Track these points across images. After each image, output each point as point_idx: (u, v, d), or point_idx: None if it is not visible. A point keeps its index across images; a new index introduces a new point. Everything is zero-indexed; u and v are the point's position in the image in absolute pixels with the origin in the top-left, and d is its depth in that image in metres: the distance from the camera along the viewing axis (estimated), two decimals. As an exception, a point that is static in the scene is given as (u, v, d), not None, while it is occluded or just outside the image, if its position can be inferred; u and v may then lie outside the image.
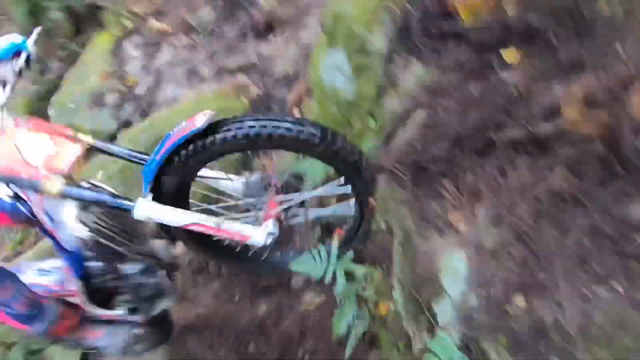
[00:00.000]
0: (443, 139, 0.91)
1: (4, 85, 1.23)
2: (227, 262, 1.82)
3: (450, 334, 0.72)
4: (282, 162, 1.64)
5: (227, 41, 3.29)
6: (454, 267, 0.77)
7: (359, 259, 1.21)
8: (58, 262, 1.59)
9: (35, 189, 1.10)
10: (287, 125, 1.12)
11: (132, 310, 1.63)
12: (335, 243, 1.18)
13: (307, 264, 1.20)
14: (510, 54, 0.99)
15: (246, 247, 1.52)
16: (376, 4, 1.19)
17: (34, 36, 1.34)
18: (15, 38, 1.29)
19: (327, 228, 1.43)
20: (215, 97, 2.75)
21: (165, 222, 1.23)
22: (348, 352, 1.26)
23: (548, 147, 0.78)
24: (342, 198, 1.36)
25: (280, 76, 2.89)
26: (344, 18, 1.29)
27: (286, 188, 1.36)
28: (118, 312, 1.62)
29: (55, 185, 1.08)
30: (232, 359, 1.87)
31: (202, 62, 3.42)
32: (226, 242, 1.53)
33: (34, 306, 1.40)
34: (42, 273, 1.63)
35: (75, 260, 1.48)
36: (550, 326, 0.59)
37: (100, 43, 3.90)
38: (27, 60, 1.28)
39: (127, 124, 3.50)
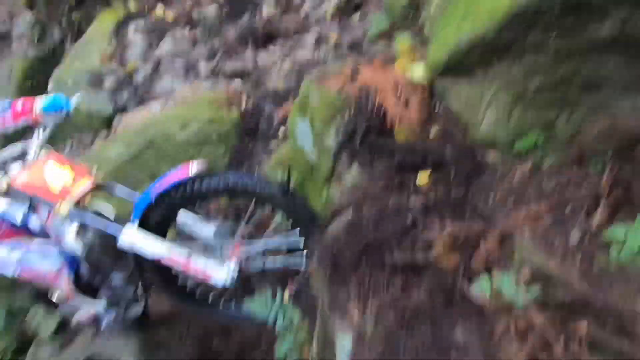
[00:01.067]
0: (357, 244, 1.22)
1: (44, 130, 1.54)
2: (188, 306, 2.06)
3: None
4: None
5: (227, 43, 3.46)
6: (343, 345, 1.12)
7: (298, 302, 1.58)
8: (55, 257, 1.95)
9: (50, 208, 1.41)
10: (259, 183, 1.44)
11: (111, 304, 2.03)
12: (286, 296, 1.53)
13: (259, 305, 1.56)
14: (423, 177, 1.27)
15: (206, 294, 1.83)
16: (335, 106, 1.46)
17: (75, 99, 1.66)
18: (62, 98, 1.61)
19: (281, 277, 1.79)
20: (208, 104, 2.96)
21: (144, 251, 1.57)
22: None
23: (418, 271, 1.11)
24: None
25: (272, 90, 3.10)
26: (311, 103, 1.57)
27: (250, 236, 1.69)
28: (97, 306, 2.02)
29: (65, 208, 1.39)
30: (195, 351, 2.28)
31: (201, 58, 3.59)
32: (189, 288, 1.84)
33: None
34: (44, 256, 1.99)
35: (71, 261, 1.85)
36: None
37: (104, 22, 4.03)
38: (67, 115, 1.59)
39: (122, 109, 3.73)
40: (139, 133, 2.74)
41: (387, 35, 2.62)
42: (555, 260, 0.86)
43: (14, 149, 1.52)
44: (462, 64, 1.17)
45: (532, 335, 0.76)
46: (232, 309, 1.83)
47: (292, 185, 1.53)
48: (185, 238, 1.64)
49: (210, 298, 1.81)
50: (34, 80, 4.55)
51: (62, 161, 1.50)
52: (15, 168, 1.45)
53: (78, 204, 1.45)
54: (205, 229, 1.60)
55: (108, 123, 3.71)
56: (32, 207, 1.49)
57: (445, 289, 1.03)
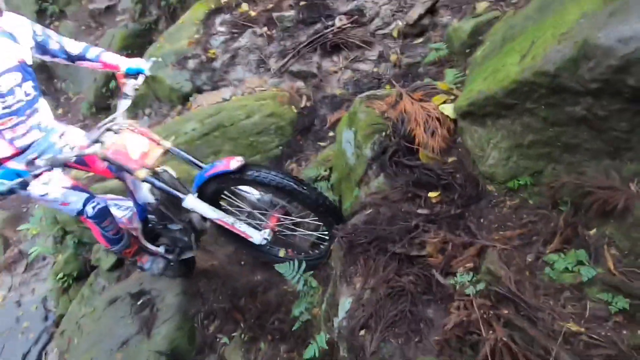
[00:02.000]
0: (370, 234, 1.64)
1: (125, 98, 1.92)
2: (240, 246, 2.64)
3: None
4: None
5: (298, 45, 3.99)
6: (345, 305, 1.56)
7: (316, 276, 2.06)
8: (130, 204, 2.57)
9: (131, 173, 1.82)
10: (293, 184, 1.79)
11: (168, 251, 2.63)
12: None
13: (285, 269, 2.06)
14: (433, 194, 1.66)
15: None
16: (376, 125, 1.89)
17: (151, 62, 2.07)
18: (141, 62, 2.01)
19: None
20: (272, 99, 3.51)
21: (202, 214, 1.97)
22: (296, 327, 2.15)
23: (411, 261, 1.51)
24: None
25: (330, 95, 3.58)
26: (358, 119, 2.02)
27: (286, 211, 2.17)
28: (159, 249, 2.63)
29: (142, 174, 1.80)
30: (226, 305, 2.83)
31: (273, 56, 4.16)
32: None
33: (119, 234, 2.37)
34: (117, 207, 2.64)
35: (141, 210, 2.43)
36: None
37: (196, 10, 4.76)
38: (145, 78, 1.99)
39: (199, 90, 4.42)
40: (212, 115, 3.34)
41: (442, 64, 3.00)
42: (505, 270, 1.24)
43: (106, 120, 1.88)
44: (478, 113, 1.55)
45: (469, 311, 1.15)
46: (274, 252, 2.34)
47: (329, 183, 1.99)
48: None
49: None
50: (129, 50, 5.44)
51: (140, 132, 1.89)
52: (107, 137, 1.81)
53: (152, 170, 1.90)
54: (252, 195, 2.09)
55: (184, 99, 4.41)
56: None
57: (427, 278, 1.44)
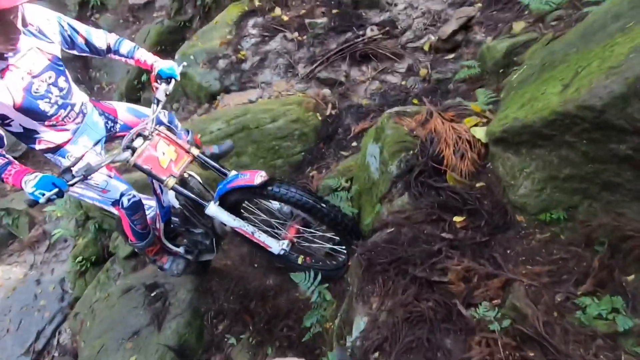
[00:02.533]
0: (390, 254, 1.60)
1: (157, 104, 1.88)
2: (260, 252, 2.66)
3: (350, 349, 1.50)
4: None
5: (327, 53, 3.98)
6: (360, 324, 1.52)
7: (331, 289, 2.02)
8: (153, 203, 2.60)
9: (161, 182, 1.86)
10: (313, 202, 1.79)
11: (188, 251, 2.65)
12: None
13: (300, 278, 2.04)
14: (459, 219, 1.61)
15: None
16: (404, 143, 1.85)
17: (181, 68, 2.05)
18: (174, 65, 1.99)
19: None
20: (297, 105, 3.51)
21: (223, 222, 2.00)
22: (306, 337, 2.12)
23: (432, 286, 1.45)
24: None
25: (356, 105, 3.55)
26: (385, 134, 1.98)
27: (305, 223, 2.15)
28: (179, 249, 2.66)
29: (171, 182, 1.84)
30: (236, 306, 2.83)
31: (302, 61, 4.17)
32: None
33: (146, 229, 2.38)
34: (145, 206, 2.69)
35: (165, 212, 2.47)
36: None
37: (230, 12, 4.81)
38: (175, 81, 1.97)
39: (227, 90, 4.46)
40: (238, 116, 3.36)
41: (472, 82, 2.93)
42: (532, 308, 1.18)
43: (138, 126, 1.89)
44: (512, 140, 1.49)
45: (492, 349, 1.10)
46: (292, 258, 2.31)
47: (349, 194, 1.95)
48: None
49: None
50: (163, 46, 5.55)
51: (169, 140, 1.91)
52: (138, 143, 1.82)
53: (179, 177, 1.92)
54: (272, 204, 2.08)
55: (212, 98, 4.46)
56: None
57: (447, 306, 1.39)
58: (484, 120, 1.81)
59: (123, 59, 2.05)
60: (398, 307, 1.44)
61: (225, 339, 2.73)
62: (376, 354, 1.39)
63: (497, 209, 1.55)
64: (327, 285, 2.01)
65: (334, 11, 4.19)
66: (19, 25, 1.52)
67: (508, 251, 1.46)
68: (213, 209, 1.93)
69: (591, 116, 1.18)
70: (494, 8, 3.34)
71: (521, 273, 1.36)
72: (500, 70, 2.71)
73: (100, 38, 1.93)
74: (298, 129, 3.35)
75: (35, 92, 1.68)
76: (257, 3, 4.70)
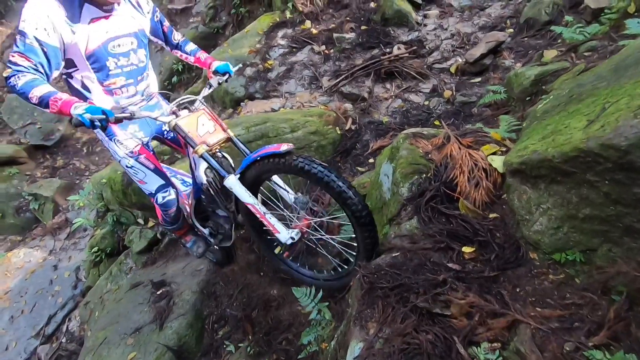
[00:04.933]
0: (393, 279, 1.54)
1: (209, 88, 2.13)
2: (264, 250, 2.67)
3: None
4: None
5: (353, 68, 3.99)
6: (355, 349, 1.47)
7: (331, 308, 1.97)
8: (191, 180, 2.68)
9: (193, 147, 1.93)
10: (340, 182, 1.67)
11: (211, 235, 2.67)
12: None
13: (301, 295, 2.00)
14: (468, 250, 1.54)
15: (277, 245, 2.30)
16: (417, 165, 1.80)
17: (237, 68, 2.28)
18: (229, 64, 2.22)
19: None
20: (318, 117, 3.52)
21: (238, 195, 1.98)
22: (302, 355, 2.07)
23: (433, 318, 1.39)
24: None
25: (376, 121, 3.52)
26: (400, 154, 1.93)
27: (318, 215, 2.01)
28: (205, 230, 2.65)
29: (201, 149, 1.90)
30: (238, 313, 2.81)
31: (326, 75, 4.20)
32: (269, 235, 2.37)
33: (176, 219, 2.50)
34: (182, 182, 2.77)
35: (197, 188, 2.53)
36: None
37: (262, 22, 4.93)
38: (227, 79, 2.20)
39: (251, 97, 4.54)
40: (258, 124, 3.39)
41: (497, 108, 2.85)
42: (537, 355, 1.10)
43: (188, 98, 2.04)
44: (530, 173, 1.43)
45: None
46: (294, 266, 2.29)
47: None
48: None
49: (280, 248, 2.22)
50: (199, 45, 5.73)
51: (211, 116, 2.04)
52: (183, 113, 1.98)
53: (211, 150, 1.99)
54: (288, 194, 2.06)
55: (236, 104, 4.54)
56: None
57: (448, 341, 1.32)
58: (503, 149, 1.75)
59: (184, 56, 2.30)
60: (396, 337, 1.38)
61: (224, 346, 2.71)
62: (370, 382, 1.33)
63: (510, 244, 1.48)
64: (327, 304, 1.96)
65: (363, 27, 4.21)
66: None
67: (517, 289, 1.38)
68: (232, 180, 1.95)
69: (615, 156, 1.11)
70: (525, 34, 3.26)
71: (529, 315, 1.28)
72: (527, 98, 2.62)
73: (176, 34, 2.25)
74: (316, 141, 3.34)
75: (112, 48, 1.81)
76: (288, 15, 4.79)
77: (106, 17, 1.77)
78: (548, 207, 1.38)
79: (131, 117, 1.77)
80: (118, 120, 1.71)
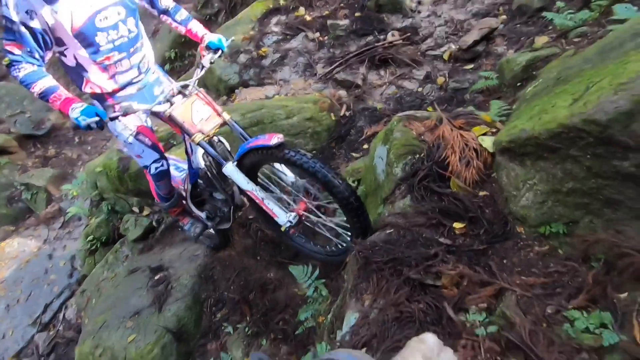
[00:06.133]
0: (387, 254, 1.62)
1: (202, 69, 2.04)
2: (269, 226, 2.64)
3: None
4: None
5: (347, 54, 4.02)
6: (350, 320, 1.55)
7: (328, 285, 2.06)
8: (186, 166, 2.71)
9: (189, 135, 1.96)
10: (324, 171, 1.77)
11: (208, 218, 2.72)
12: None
13: (299, 272, 2.08)
14: (458, 225, 1.62)
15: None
16: (411, 147, 1.87)
17: (229, 42, 2.18)
18: (222, 38, 2.13)
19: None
20: (313, 104, 3.56)
21: (237, 182, 2.04)
22: (299, 331, 2.16)
23: (425, 289, 1.47)
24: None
25: (370, 108, 3.58)
26: (394, 137, 2.00)
27: (315, 198, 2.08)
28: (201, 214, 2.69)
29: (198, 137, 1.93)
30: (236, 296, 2.89)
31: (321, 62, 4.22)
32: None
33: (169, 194, 2.54)
34: (176, 168, 2.81)
35: (193, 173, 2.57)
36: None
37: (255, 8, 4.92)
38: (221, 53, 2.12)
39: (245, 84, 4.55)
40: (253, 110, 3.43)
41: (489, 93, 2.92)
42: (520, 317, 1.19)
43: (180, 83, 2.01)
44: (517, 151, 1.50)
45: (476, 352, 1.11)
46: (299, 240, 2.36)
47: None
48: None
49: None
50: (186, 38, 5.69)
51: (205, 100, 2.02)
52: (177, 100, 1.95)
53: (208, 136, 2.02)
54: (286, 177, 2.12)
55: (230, 91, 4.55)
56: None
57: (438, 309, 1.41)
58: (493, 130, 1.82)
59: (174, 25, 2.19)
60: (389, 306, 1.46)
61: (223, 327, 2.79)
62: (363, 350, 1.42)
63: (498, 219, 1.56)
64: (323, 281, 2.04)
65: (357, 14, 4.24)
66: None
67: (504, 261, 1.47)
68: (230, 168, 2.01)
69: (596, 131, 1.19)
70: (517, 21, 3.32)
71: (515, 283, 1.36)
72: (518, 84, 2.70)
73: None
74: (311, 128, 3.40)
75: (99, 22, 1.74)
76: (281, 2, 4.79)
77: None
78: (534, 183, 1.47)
79: (126, 114, 1.76)
80: (113, 118, 1.73)
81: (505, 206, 1.59)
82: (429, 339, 0.63)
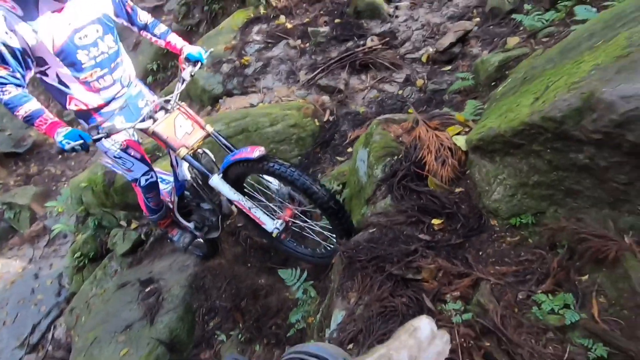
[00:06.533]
0: (370, 253, 1.71)
1: (182, 83, 2.12)
2: (259, 234, 2.70)
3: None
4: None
5: (328, 60, 4.14)
6: (337, 317, 1.63)
7: (316, 286, 2.14)
8: (171, 179, 2.77)
9: (174, 150, 2.04)
10: (302, 179, 1.89)
11: (197, 228, 2.78)
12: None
13: (287, 276, 2.16)
14: (437, 222, 1.73)
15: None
16: (389, 148, 1.98)
17: (208, 53, 2.25)
18: (201, 50, 2.20)
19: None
20: (297, 110, 3.66)
21: (223, 194, 2.12)
22: (290, 333, 2.24)
23: (406, 283, 1.56)
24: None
25: (353, 112, 3.69)
26: (373, 140, 2.11)
27: (300, 204, 2.18)
28: (189, 224, 2.77)
29: (182, 152, 2.01)
30: (227, 304, 2.94)
31: (303, 68, 4.33)
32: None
33: (158, 206, 2.59)
34: (162, 180, 2.86)
35: (180, 185, 2.64)
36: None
37: (236, 18, 5.02)
38: (200, 65, 2.19)
39: (229, 93, 4.63)
40: (238, 119, 3.51)
41: (467, 93, 3.06)
42: (494, 304, 1.29)
43: (162, 99, 2.08)
44: (487, 148, 1.62)
45: (452, 339, 1.20)
46: (290, 244, 2.45)
47: (341, 197, 2.07)
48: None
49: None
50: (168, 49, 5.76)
51: (187, 114, 2.10)
52: (159, 115, 2.01)
53: (192, 150, 2.09)
54: (272, 185, 2.22)
55: (214, 101, 4.62)
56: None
57: (420, 302, 1.50)
58: (467, 129, 1.94)
59: (154, 39, 2.26)
60: (374, 302, 1.55)
61: (216, 336, 2.84)
62: (350, 345, 1.50)
63: (473, 213, 1.67)
64: (312, 282, 2.12)
65: (337, 21, 4.36)
66: None
67: (480, 253, 1.58)
68: (216, 180, 2.09)
69: (553, 127, 1.30)
70: (490, 23, 3.48)
71: (489, 273, 1.47)
72: (492, 83, 2.84)
73: (143, 15, 2.18)
74: (296, 134, 3.49)
75: (79, 40, 1.80)
76: (262, 11, 4.90)
77: (63, 8, 1.74)
78: (504, 178, 1.58)
79: (109, 135, 1.82)
80: (97, 140, 1.78)
81: (479, 201, 1.70)
82: (423, 323, 0.67)
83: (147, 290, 3.17)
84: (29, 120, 1.74)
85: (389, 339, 0.69)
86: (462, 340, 1.20)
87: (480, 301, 1.35)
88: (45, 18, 1.70)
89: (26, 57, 1.73)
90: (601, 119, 1.14)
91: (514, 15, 3.15)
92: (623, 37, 1.33)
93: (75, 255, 4.39)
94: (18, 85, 1.72)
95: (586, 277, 1.25)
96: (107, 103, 2.08)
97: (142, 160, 2.33)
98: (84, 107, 2.02)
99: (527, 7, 3.09)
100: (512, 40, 3.05)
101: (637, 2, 1.54)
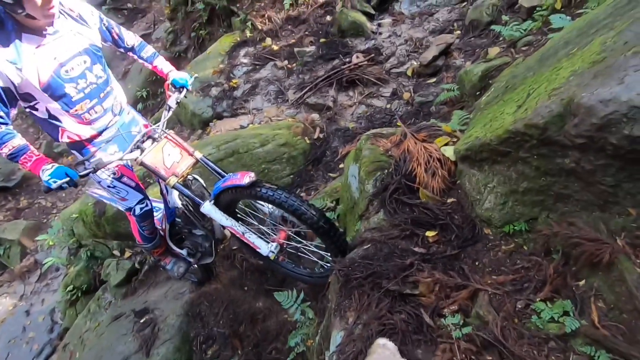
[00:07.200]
0: (366, 270, 1.70)
1: (169, 110, 2.09)
2: (255, 257, 2.69)
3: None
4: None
5: (316, 79, 4.20)
6: (336, 338, 1.60)
7: (313, 307, 2.10)
8: (162, 206, 2.73)
9: (163, 180, 2.02)
10: (291, 200, 1.88)
11: (190, 254, 2.73)
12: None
13: (284, 298, 2.12)
14: (431, 234, 1.72)
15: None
16: (379, 163, 1.99)
17: (192, 79, 2.24)
18: (186, 76, 2.19)
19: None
20: (287, 129, 3.68)
21: (216, 220, 2.10)
22: (290, 358, 2.18)
23: (404, 299, 1.54)
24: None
25: (343, 128, 3.72)
26: (363, 155, 2.12)
27: (293, 225, 2.15)
28: (182, 251, 2.71)
29: (172, 181, 2.00)
30: (225, 330, 2.87)
31: (291, 88, 4.39)
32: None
33: (152, 234, 2.54)
34: (154, 208, 2.83)
35: (170, 213, 2.61)
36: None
37: (223, 43, 5.10)
38: (186, 91, 2.16)
39: (219, 116, 4.66)
40: (228, 141, 3.51)
41: (453, 104, 3.10)
42: (493, 315, 1.26)
43: (152, 127, 2.05)
44: (475, 157, 1.63)
45: (452, 355, 1.18)
46: (288, 266, 2.41)
47: (333, 217, 2.06)
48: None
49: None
50: (157, 76, 5.82)
51: (175, 142, 2.09)
52: (147, 145, 2.00)
53: (181, 178, 2.07)
54: (264, 208, 2.19)
55: (205, 124, 4.64)
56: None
57: (419, 317, 1.47)
58: (454, 139, 1.96)
59: (141, 61, 2.24)
60: (372, 320, 1.52)
61: (214, 364, 2.76)
62: (350, 365, 1.46)
63: (467, 223, 1.66)
64: (309, 303, 2.08)
65: (322, 40, 4.45)
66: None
67: (476, 263, 1.56)
68: (208, 207, 2.07)
69: (536, 133, 1.32)
70: (471, 35, 3.57)
71: (487, 283, 1.45)
72: (477, 93, 2.89)
73: (130, 37, 2.15)
74: (287, 153, 3.50)
75: (65, 74, 1.77)
76: (248, 34, 4.99)
77: (47, 42, 1.70)
78: (494, 186, 1.58)
79: (96, 170, 1.80)
80: (84, 176, 1.75)
81: (471, 210, 1.70)
82: (389, 345, 0.68)
83: (142, 321, 3.10)
84: (14, 157, 1.71)
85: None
86: (463, 356, 1.17)
87: (479, 313, 1.33)
88: (29, 54, 1.68)
89: (10, 95, 1.70)
90: (583, 123, 1.15)
91: (493, 27, 3.24)
92: (597, 43, 1.36)
93: (68, 289, 4.29)
94: (2, 124, 1.69)
95: (583, 282, 1.24)
96: (100, 133, 2.06)
97: (137, 188, 2.31)
98: (77, 139, 2.00)
99: (505, 18, 3.18)
100: (493, 51, 3.12)
101: (608, 9, 1.59)
